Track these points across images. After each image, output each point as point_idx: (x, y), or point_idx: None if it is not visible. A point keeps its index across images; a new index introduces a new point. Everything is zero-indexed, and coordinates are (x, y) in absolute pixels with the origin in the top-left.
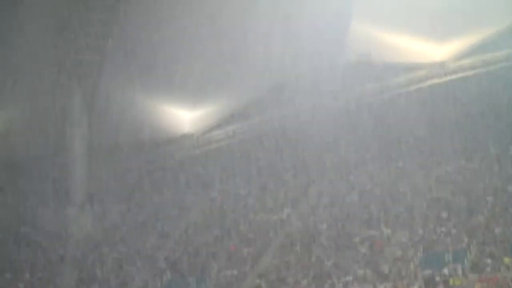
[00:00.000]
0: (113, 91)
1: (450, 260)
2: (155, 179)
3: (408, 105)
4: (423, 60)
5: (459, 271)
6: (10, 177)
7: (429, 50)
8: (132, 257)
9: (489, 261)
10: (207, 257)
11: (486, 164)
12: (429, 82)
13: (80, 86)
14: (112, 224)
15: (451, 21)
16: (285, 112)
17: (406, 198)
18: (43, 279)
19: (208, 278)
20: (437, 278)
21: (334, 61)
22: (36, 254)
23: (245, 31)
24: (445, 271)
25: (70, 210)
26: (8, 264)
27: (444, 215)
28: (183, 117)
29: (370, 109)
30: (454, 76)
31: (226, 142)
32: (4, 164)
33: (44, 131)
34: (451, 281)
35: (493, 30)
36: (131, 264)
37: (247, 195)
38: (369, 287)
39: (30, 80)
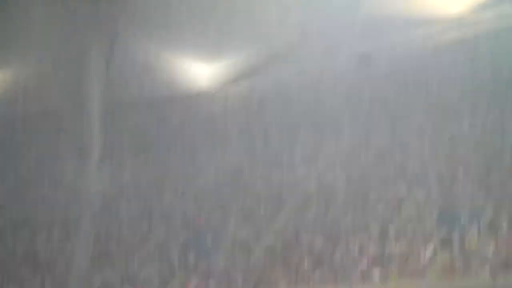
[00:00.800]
0: (130, 46)
1: (466, 220)
2: (172, 135)
3: (423, 61)
4: (440, 13)
5: (475, 231)
6: (26, 132)
7: (446, 2)
8: (148, 214)
9: (505, 220)
10: (222, 215)
11: (503, 121)
12: (446, 36)
13: (98, 40)
14: (129, 180)
15: None
16: (303, 68)
17: (422, 156)
18: (60, 236)
19: (223, 237)
20: (453, 238)
21: (349, 15)
22: (53, 210)
23: None
24: (461, 231)
25: (87, 166)
26: (24, 222)
27: (460, 173)
28: (200, 73)
29: (386, 65)
30: (472, 30)
31: (244, 99)
32: (19, 119)
33: (60, 85)
34: (466, 241)
35: None
36: (148, 222)
37: (264, 152)
38: (384, 246)
39: (46, 33)
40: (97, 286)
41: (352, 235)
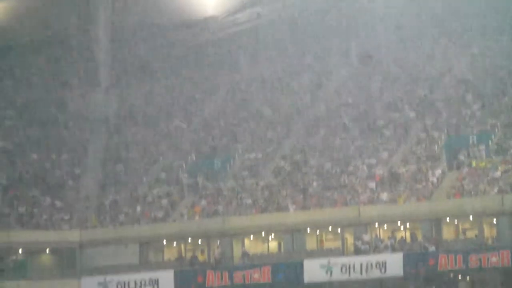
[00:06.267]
0: None
1: (474, 142)
2: (179, 61)
3: None
4: None
5: (483, 153)
6: (35, 58)
7: None
8: (157, 139)
9: None
10: (231, 139)
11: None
12: None
13: None
14: (137, 106)
15: None
16: None
17: (431, 80)
18: (69, 160)
19: (232, 160)
20: (461, 160)
21: None
22: (62, 135)
23: None
24: (469, 153)
25: (96, 92)
26: (35, 145)
27: (469, 97)
28: None
29: None
30: None
31: (251, 25)
32: (26, 45)
33: (67, 12)
34: (474, 163)
35: None
36: (156, 146)
37: (272, 78)
38: (393, 169)
39: None
40: (106, 208)
41: (360, 158)
